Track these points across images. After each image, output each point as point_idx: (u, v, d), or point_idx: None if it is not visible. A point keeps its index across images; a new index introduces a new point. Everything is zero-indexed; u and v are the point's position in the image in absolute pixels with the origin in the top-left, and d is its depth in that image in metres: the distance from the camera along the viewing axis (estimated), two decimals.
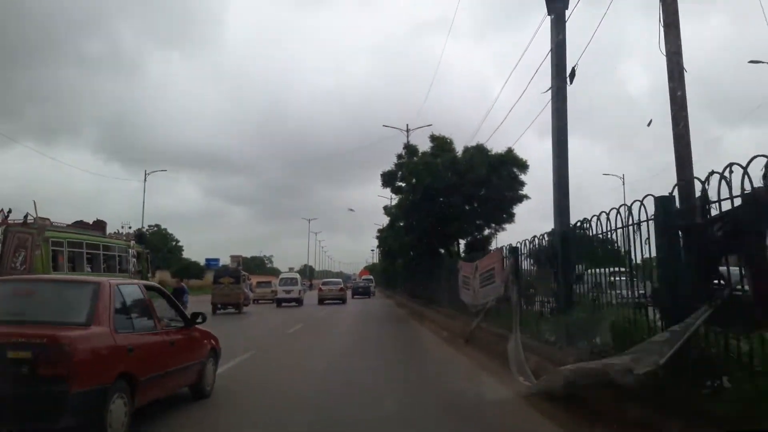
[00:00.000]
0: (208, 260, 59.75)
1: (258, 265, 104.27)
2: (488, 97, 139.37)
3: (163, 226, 74.74)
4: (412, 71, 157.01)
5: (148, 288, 6.88)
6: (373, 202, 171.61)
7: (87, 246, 18.31)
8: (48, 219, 17.13)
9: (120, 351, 5.28)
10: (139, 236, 23.35)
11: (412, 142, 30.80)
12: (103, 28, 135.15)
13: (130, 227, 21.33)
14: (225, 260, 38.49)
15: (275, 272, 73.76)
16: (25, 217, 16.16)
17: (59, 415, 4.47)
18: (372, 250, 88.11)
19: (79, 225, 19.23)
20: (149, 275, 22.60)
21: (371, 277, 60.94)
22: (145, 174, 49.51)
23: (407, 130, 38.71)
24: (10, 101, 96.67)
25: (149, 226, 62.75)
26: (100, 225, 20.07)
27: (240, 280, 28.45)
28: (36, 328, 4.85)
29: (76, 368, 4.63)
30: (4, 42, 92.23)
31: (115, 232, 20.94)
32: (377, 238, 45.67)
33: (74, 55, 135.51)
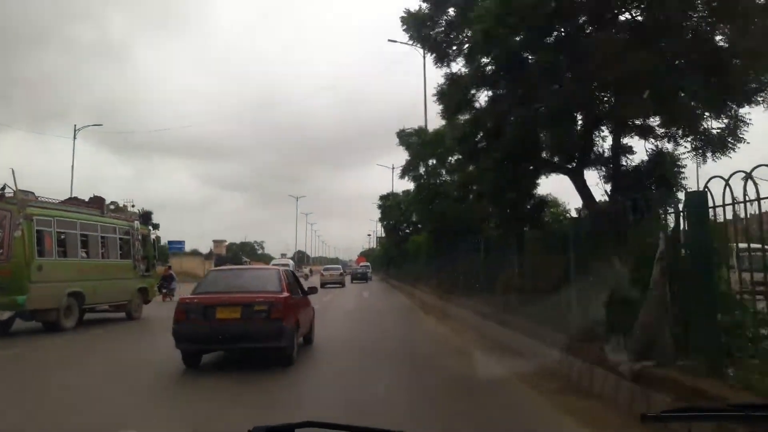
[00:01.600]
0: (170, 243, 53.96)
1: (248, 252, 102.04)
2: None
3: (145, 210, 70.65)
4: (405, 57, 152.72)
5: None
6: (368, 190, 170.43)
7: (81, 227, 15.15)
8: (32, 192, 13.97)
9: (295, 307, 9.42)
10: (145, 216, 20.12)
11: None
12: (93, 15, 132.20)
13: (133, 205, 18.26)
14: (203, 246, 35.31)
15: (267, 258, 71.64)
16: (2, 189, 13.00)
17: (280, 338, 8.50)
18: (368, 235, 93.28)
19: (72, 202, 16.07)
20: (155, 261, 19.48)
21: (368, 263, 64.20)
22: (75, 130, 37.73)
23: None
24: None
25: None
26: (97, 202, 16.90)
27: None
28: (260, 294, 8.84)
29: (284, 314, 8.65)
30: None
31: (115, 210, 17.79)
32: (380, 207, 43.99)
33: (63, 41, 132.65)
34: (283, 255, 75.89)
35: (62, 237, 14.58)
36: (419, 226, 31.80)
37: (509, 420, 5.86)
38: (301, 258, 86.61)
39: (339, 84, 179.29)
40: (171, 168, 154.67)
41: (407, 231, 40.06)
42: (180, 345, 8.57)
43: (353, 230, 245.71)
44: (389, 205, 42.47)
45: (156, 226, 27.51)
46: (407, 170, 25.78)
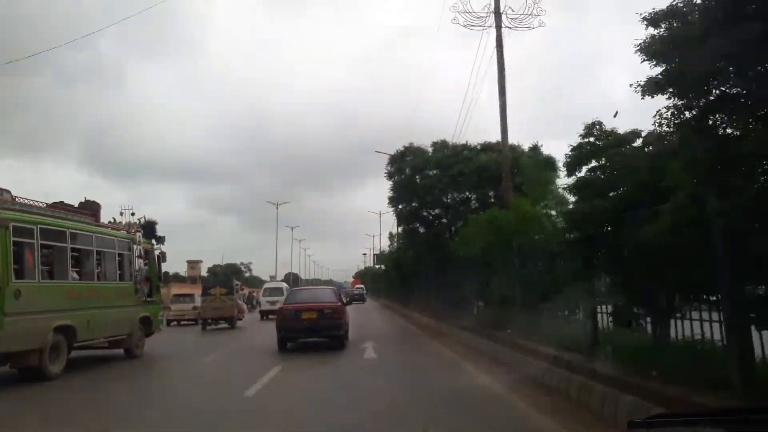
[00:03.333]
0: None
1: (234, 274, 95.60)
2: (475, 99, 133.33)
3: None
4: (395, 79, 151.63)
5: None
6: (360, 210, 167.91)
7: (72, 238, 11.49)
8: (7, 191, 10.30)
9: (344, 311, 14.80)
10: (148, 227, 16.45)
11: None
12: (86, 40, 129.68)
13: (132, 213, 14.59)
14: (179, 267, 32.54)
15: (255, 281, 67.40)
16: None
17: (339, 329, 14.11)
18: (364, 254, 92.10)
19: (60, 207, 12.38)
20: (160, 283, 15.76)
21: (362, 285, 68.56)
22: None
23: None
24: None
25: None
26: (90, 208, 13.25)
27: (233, 291, 25.01)
28: (326, 303, 14.49)
29: (341, 315, 14.29)
30: None
31: (111, 221, 14.11)
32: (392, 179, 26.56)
33: (56, 66, 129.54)
34: (272, 278, 71.96)
35: (48, 252, 10.92)
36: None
37: None
38: (289, 280, 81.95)
39: (332, 105, 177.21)
40: (162, 190, 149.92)
41: (442, 217, 23.86)
42: (280, 334, 14.22)
43: (346, 252, 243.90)
44: (411, 168, 24.12)
45: (161, 240, 23.61)
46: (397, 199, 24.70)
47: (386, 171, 24.78)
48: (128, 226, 14.33)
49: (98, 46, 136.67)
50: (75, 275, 11.63)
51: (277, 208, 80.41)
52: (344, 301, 16.23)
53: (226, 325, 24.32)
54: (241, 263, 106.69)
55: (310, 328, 14.01)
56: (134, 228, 14.45)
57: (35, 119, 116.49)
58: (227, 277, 25.07)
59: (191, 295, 28.66)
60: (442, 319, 18.86)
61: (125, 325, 13.20)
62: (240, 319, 25.86)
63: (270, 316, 30.31)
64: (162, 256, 15.73)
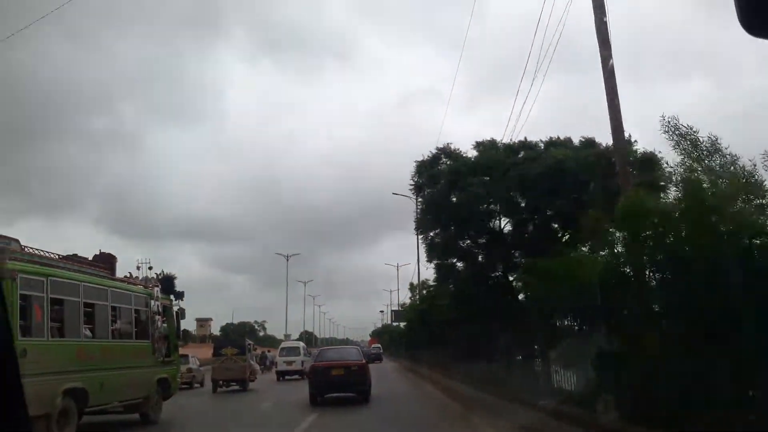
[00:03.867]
0: None
1: (247, 333, 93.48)
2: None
3: None
4: (407, 137, 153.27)
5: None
6: (376, 267, 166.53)
7: (85, 292, 10.64)
8: (16, 240, 9.56)
9: (368, 368, 16.50)
10: (166, 282, 15.59)
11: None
12: (105, 106, 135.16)
13: (150, 267, 13.79)
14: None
15: (270, 341, 65.81)
16: None
17: (364, 385, 15.69)
18: (381, 311, 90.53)
19: (73, 259, 11.62)
20: (179, 341, 14.78)
21: (379, 345, 68.36)
22: None
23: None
24: (15, 178, 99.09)
25: None
26: (106, 261, 12.48)
27: (245, 351, 23.75)
28: (352, 361, 16.16)
29: (366, 373, 16.04)
30: (10, 121, 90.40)
31: (128, 275, 13.30)
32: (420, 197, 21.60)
33: (77, 131, 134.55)
34: (287, 336, 70.31)
35: (59, 307, 10.06)
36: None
37: None
38: (308, 339, 79.80)
39: (342, 161, 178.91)
40: (176, 250, 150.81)
41: (494, 246, 17.65)
42: (312, 390, 15.85)
43: (363, 310, 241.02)
44: (448, 174, 17.81)
45: (180, 296, 22.68)
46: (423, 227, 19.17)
47: (411, 183, 19.18)
48: (145, 281, 13.51)
49: (120, 111, 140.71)
50: (88, 333, 10.72)
51: (287, 260, 77.27)
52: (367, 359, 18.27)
53: (237, 387, 22.93)
54: (255, 321, 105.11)
55: (339, 383, 15.69)
56: (152, 283, 13.62)
57: (57, 181, 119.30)
58: (240, 336, 24.07)
59: (185, 356, 25.81)
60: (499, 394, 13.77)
61: (142, 388, 12.16)
62: (252, 381, 24.64)
63: (287, 377, 29.72)
64: (181, 313, 14.85)
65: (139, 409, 12.31)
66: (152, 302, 13.11)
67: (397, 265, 63.75)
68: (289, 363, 30.12)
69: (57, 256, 10.93)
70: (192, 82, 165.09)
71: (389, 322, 73.40)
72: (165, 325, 13.61)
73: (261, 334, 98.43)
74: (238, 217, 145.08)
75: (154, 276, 13.93)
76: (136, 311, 12.51)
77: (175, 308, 14.76)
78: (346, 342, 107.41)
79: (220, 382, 22.69)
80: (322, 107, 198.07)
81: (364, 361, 16.39)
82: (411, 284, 45.30)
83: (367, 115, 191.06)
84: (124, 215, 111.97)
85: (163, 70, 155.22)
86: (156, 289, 13.44)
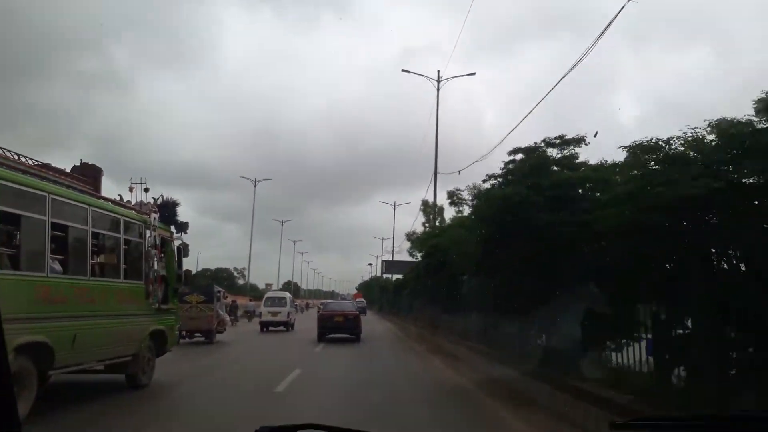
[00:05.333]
0: None
1: (227, 278, 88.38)
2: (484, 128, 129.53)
3: None
4: (405, 95, 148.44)
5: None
6: (366, 223, 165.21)
7: (56, 210, 7.50)
8: None
9: (360, 317, 23.56)
10: (166, 207, 12.62)
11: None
12: (99, 48, 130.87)
13: (146, 188, 10.64)
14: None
15: (250, 291, 63.58)
16: None
17: (357, 329, 22.41)
18: (370, 264, 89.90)
19: (47, 168, 8.47)
20: (179, 284, 11.77)
21: (363, 299, 68.66)
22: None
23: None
24: (6, 116, 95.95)
25: None
26: (89, 172, 9.36)
27: (213, 299, 20.96)
28: (349, 311, 23.45)
29: (358, 319, 22.89)
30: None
31: (118, 198, 10.17)
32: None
33: (69, 72, 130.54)
34: (268, 285, 68.45)
35: (12, 227, 6.98)
36: None
37: None
38: (293, 290, 76.90)
39: (338, 117, 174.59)
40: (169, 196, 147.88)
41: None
42: (320, 330, 21.88)
43: (350, 264, 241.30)
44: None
45: (183, 227, 19.34)
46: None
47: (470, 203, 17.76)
48: (140, 206, 10.42)
49: (112, 52, 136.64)
50: (56, 266, 7.66)
51: (282, 225, 78.73)
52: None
53: (202, 339, 20.39)
54: (235, 269, 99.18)
55: (340, 326, 22.05)
56: (148, 208, 10.52)
57: (45, 120, 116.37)
58: (208, 283, 21.61)
59: None
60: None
61: (130, 343, 9.24)
62: (221, 332, 22.00)
63: (271, 328, 28.58)
64: (184, 249, 11.79)
65: (125, 370, 9.41)
66: (148, 232, 10.05)
67: (394, 203, 60.39)
68: (274, 314, 28.82)
69: (34, 162, 7.83)
70: (188, 24, 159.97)
71: (379, 274, 71.23)
72: (163, 262, 10.62)
73: (241, 282, 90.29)
74: (231, 165, 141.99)
75: (152, 200, 10.83)
76: (126, 242, 9.43)
77: (177, 243, 11.68)
78: (332, 295, 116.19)
79: (183, 332, 19.37)
80: (318, 59, 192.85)
81: (357, 312, 23.57)
82: (424, 202, 37.14)
83: (366, 70, 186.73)
84: (114, 159, 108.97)
85: (157, 14, 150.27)
86: (153, 215, 10.34)
